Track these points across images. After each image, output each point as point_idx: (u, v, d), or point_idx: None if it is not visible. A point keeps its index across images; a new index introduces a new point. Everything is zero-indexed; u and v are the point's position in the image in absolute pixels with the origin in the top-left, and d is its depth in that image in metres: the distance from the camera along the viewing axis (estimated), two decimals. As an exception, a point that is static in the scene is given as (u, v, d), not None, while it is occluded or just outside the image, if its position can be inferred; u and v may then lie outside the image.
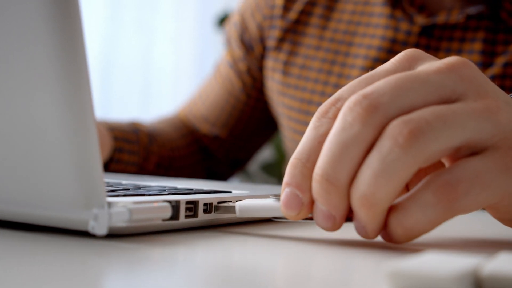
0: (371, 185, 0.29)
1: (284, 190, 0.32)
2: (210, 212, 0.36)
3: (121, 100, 1.96)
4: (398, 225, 0.30)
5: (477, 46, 0.67)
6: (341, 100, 0.32)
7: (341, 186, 0.30)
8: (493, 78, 0.65)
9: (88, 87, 0.28)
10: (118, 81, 1.97)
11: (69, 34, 0.28)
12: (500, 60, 0.66)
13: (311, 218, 0.32)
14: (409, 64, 0.33)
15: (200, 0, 2.04)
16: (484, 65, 0.66)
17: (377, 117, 0.30)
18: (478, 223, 0.46)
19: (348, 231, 0.34)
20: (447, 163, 0.33)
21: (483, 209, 0.35)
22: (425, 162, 0.30)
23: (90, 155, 0.29)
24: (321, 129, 0.32)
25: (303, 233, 0.37)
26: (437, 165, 0.34)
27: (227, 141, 0.88)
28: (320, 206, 0.31)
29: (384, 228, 0.31)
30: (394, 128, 0.29)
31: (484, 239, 0.38)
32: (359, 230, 0.31)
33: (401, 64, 0.33)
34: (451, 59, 0.32)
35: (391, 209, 0.31)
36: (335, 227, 0.31)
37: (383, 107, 0.30)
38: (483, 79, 0.32)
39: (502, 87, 0.64)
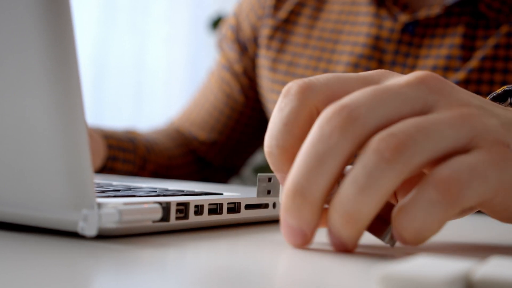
0: (357, 201, 0.28)
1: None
2: (201, 214, 0.36)
3: (113, 103, 1.96)
4: (404, 231, 0.29)
5: (457, 40, 0.68)
6: (302, 79, 0.32)
7: (314, 201, 0.29)
8: (471, 71, 0.66)
9: (79, 89, 0.28)
10: (110, 84, 1.96)
11: (60, 36, 0.28)
12: (479, 54, 0.67)
13: None
14: (378, 78, 0.33)
15: (193, 3, 2.04)
16: (463, 59, 0.68)
17: (356, 129, 0.29)
18: (469, 227, 0.46)
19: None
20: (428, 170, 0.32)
21: (479, 211, 0.35)
22: (410, 174, 0.29)
23: (80, 156, 0.29)
24: (286, 109, 0.32)
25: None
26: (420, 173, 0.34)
27: (225, 147, 0.88)
28: (290, 221, 0.30)
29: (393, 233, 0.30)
30: (380, 142, 0.28)
31: (476, 243, 0.38)
32: (337, 246, 0.30)
33: (370, 76, 0.33)
34: (418, 73, 0.32)
35: (393, 216, 0.29)
36: (306, 243, 0.31)
37: (362, 118, 0.29)
38: (451, 88, 0.32)
39: (480, 80, 0.66)
